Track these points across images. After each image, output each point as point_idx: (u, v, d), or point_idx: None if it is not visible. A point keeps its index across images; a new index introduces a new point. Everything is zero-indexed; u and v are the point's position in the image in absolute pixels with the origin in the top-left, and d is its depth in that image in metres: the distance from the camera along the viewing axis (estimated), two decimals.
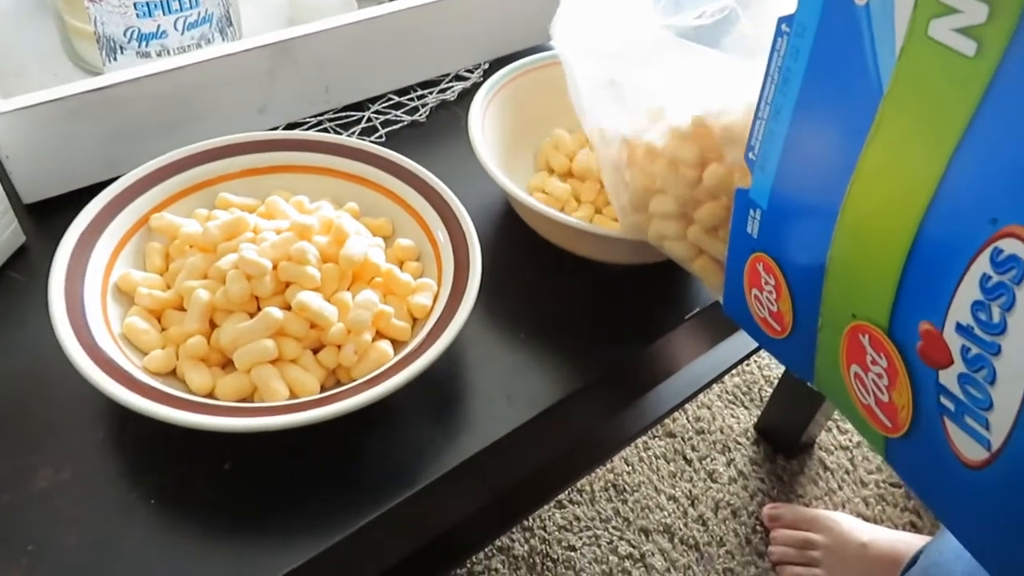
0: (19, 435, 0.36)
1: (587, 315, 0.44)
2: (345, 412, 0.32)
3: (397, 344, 0.38)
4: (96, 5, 0.48)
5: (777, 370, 1.08)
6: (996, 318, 0.22)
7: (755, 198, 0.32)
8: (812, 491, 0.97)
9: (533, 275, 0.46)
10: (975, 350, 0.23)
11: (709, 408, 1.04)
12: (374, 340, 0.37)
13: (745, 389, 1.06)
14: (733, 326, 0.64)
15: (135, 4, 0.48)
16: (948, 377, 0.25)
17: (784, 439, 0.98)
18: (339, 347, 0.37)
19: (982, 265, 0.23)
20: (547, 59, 0.52)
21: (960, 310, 0.23)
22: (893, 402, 0.27)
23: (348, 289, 0.39)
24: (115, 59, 0.50)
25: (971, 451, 0.24)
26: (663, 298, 0.46)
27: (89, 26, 0.49)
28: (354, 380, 0.36)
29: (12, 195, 0.44)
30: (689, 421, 1.02)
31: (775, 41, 0.29)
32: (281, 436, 0.33)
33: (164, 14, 0.49)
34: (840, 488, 0.97)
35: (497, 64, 0.59)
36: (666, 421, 1.01)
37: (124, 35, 0.49)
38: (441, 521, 0.47)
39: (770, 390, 1.04)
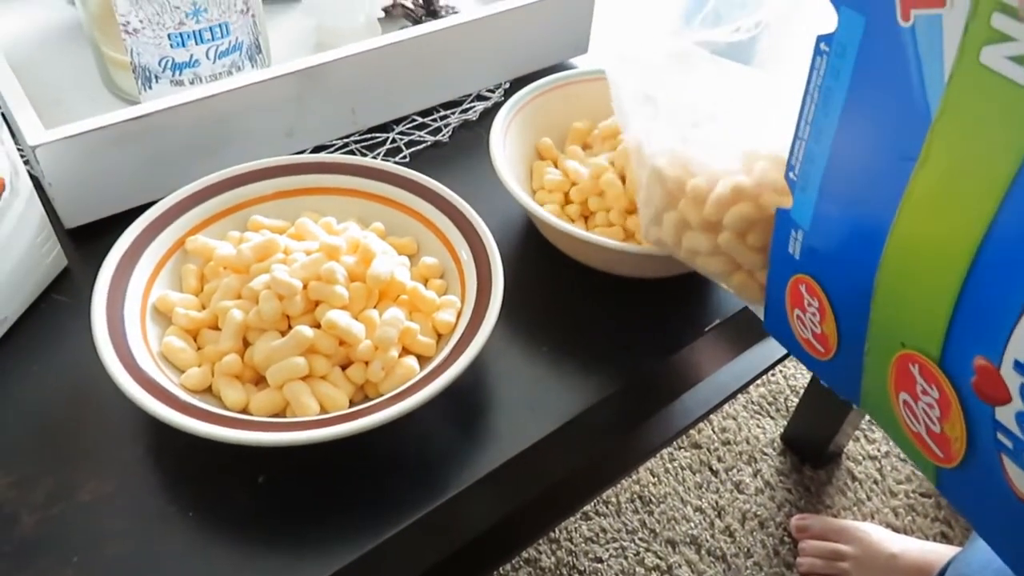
0: (65, 450, 0.38)
1: (608, 327, 0.45)
2: (373, 426, 0.34)
3: (423, 359, 0.39)
4: (132, 37, 0.50)
5: (803, 379, 1.08)
6: None
7: (796, 218, 0.31)
8: (840, 502, 0.96)
9: (554, 289, 0.47)
10: None
11: (735, 418, 1.04)
12: (400, 356, 0.39)
13: (771, 399, 1.06)
14: (756, 337, 0.64)
15: (169, 35, 0.50)
16: (1005, 414, 0.24)
17: (811, 449, 0.98)
18: (367, 363, 0.38)
19: None
20: (566, 78, 0.53)
21: (1019, 347, 0.23)
22: (945, 434, 0.27)
23: (375, 307, 0.40)
24: (150, 87, 0.52)
25: None
26: (684, 310, 0.47)
27: (125, 57, 0.51)
28: (382, 395, 0.37)
29: (54, 221, 0.46)
30: (714, 432, 1.02)
31: (814, 60, 0.28)
32: (312, 450, 0.34)
33: (196, 44, 0.51)
34: (869, 498, 0.96)
35: (518, 83, 0.60)
36: (691, 432, 1.01)
37: (159, 64, 0.51)
38: (468, 532, 0.48)
39: (796, 400, 1.04)
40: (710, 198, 0.36)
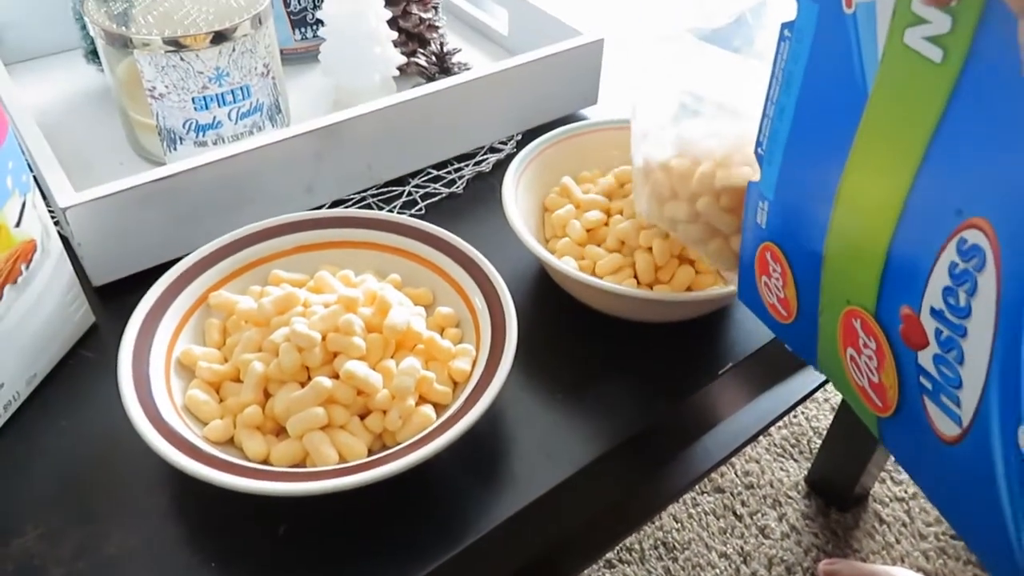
0: (92, 503, 0.38)
1: (622, 372, 0.46)
2: (392, 474, 0.34)
3: (439, 408, 0.40)
4: (158, 101, 0.52)
5: (825, 421, 1.07)
6: (963, 302, 0.24)
7: (763, 190, 0.34)
8: (869, 545, 0.94)
9: (568, 335, 0.48)
10: (946, 332, 0.25)
11: (757, 462, 1.03)
12: (417, 404, 0.39)
13: (793, 441, 1.05)
14: (774, 379, 0.64)
15: (193, 98, 0.52)
16: (925, 358, 0.26)
17: (836, 492, 0.97)
18: (385, 412, 0.39)
19: (950, 253, 0.25)
20: (576, 129, 0.54)
21: (933, 295, 0.25)
22: (882, 383, 0.29)
23: (392, 357, 0.41)
24: (175, 149, 0.55)
25: (946, 427, 0.26)
26: (698, 353, 0.47)
27: (152, 120, 0.54)
28: (399, 443, 0.38)
29: (83, 279, 0.47)
30: (737, 476, 1.01)
31: (779, 45, 0.32)
32: (332, 498, 0.34)
33: (219, 106, 0.53)
34: (898, 541, 0.95)
35: (529, 135, 0.61)
36: (714, 476, 1.00)
37: (183, 127, 0.54)
38: None
39: (819, 441, 1.03)
40: (695, 175, 0.39)
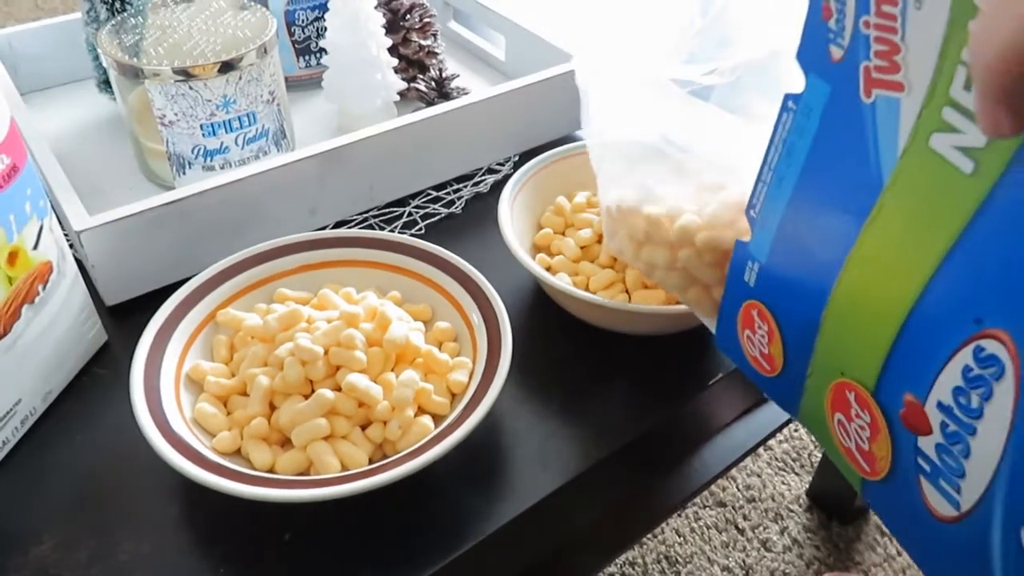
0: (105, 513, 0.40)
1: (615, 383, 0.47)
2: (392, 481, 0.36)
3: (437, 418, 0.41)
4: (168, 128, 0.55)
5: None
6: (975, 404, 0.24)
7: (754, 252, 0.34)
8: (871, 557, 0.95)
9: (562, 348, 0.49)
10: (953, 427, 0.25)
11: (759, 475, 1.03)
12: (416, 415, 0.41)
13: (795, 455, 1.06)
14: None
15: (201, 125, 0.54)
16: (927, 444, 0.26)
17: (838, 504, 0.98)
18: (385, 423, 0.40)
19: (964, 357, 0.24)
20: (570, 151, 0.56)
21: (942, 391, 0.25)
22: (873, 452, 0.29)
23: (392, 370, 0.42)
24: (184, 173, 0.57)
25: (942, 507, 0.26)
26: (688, 364, 0.49)
27: (161, 146, 0.56)
28: (399, 452, 0.39)
29: (96, 299, 0.49)
30: (739, 489, 1.02)
31: (781, 115, 0.31)
32: (335, 506, 0.36)
33: (226, 132, 0.55)
34: (900, 554, 0.95)
35: (526, 156, 0.63)
36: (715, 490, 1.01)
37: (192, 152, 0.56)
38: None
39: (820, 455, 1.04)
40: (675, 227, 0.39)
